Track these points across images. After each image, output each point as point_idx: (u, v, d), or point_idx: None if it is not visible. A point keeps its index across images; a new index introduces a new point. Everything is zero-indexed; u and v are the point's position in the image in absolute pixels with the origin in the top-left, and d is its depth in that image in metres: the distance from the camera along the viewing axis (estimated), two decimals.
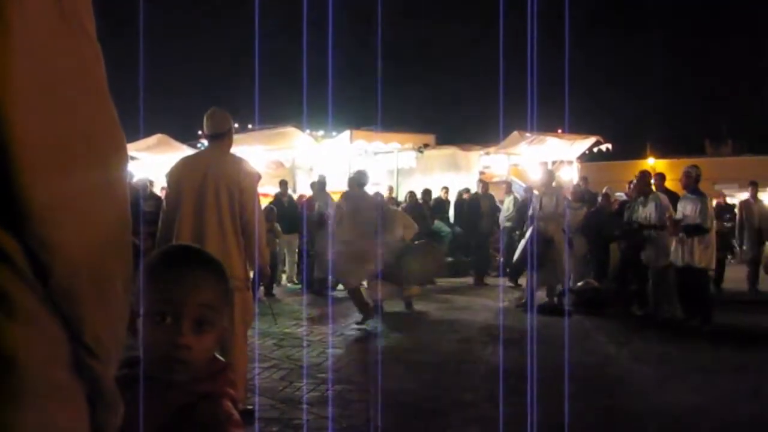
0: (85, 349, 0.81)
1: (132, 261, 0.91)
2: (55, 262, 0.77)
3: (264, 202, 13.36)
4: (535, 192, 10.78)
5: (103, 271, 0.82)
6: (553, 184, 10.74)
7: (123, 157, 0.87)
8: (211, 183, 4.48)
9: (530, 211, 10.51)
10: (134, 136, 16.59)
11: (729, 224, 12.96)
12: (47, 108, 0.76)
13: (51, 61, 0.77)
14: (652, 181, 9.86)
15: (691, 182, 8.96)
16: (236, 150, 5.06)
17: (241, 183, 4.54)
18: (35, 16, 0.75)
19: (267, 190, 14.32)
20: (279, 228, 12.20)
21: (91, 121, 0.81)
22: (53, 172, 0.76)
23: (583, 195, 12.28)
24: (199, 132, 20.44)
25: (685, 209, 8.80)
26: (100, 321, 0.82)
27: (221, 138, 4.69)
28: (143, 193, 11.29)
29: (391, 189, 16.29)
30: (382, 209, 9.25)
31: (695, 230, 8.60)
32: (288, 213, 12.75)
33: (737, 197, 28.98)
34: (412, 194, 15.09)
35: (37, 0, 0.76)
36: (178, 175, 4.73)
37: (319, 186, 12.83)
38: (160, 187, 13.05)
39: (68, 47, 0.80)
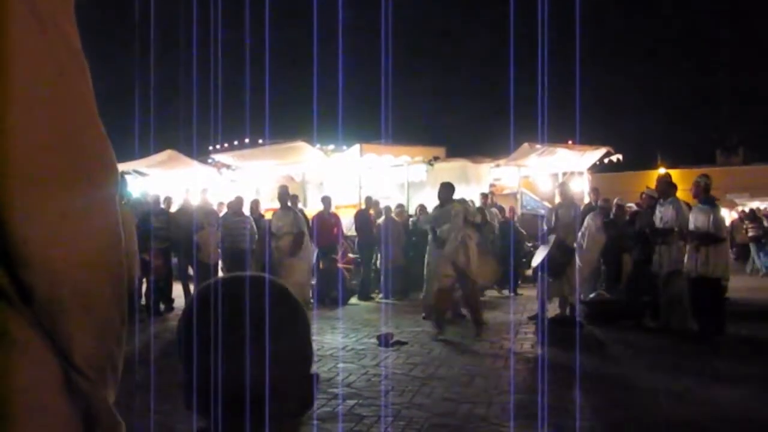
0: (76, 371, 0.79)
1: (125, 280, 0.88)
2: (37, 280, 0.75)
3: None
4: (547, 204, 10.73)
5: (90, 289, 0.80)
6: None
7: (111, 174, 0.84)
8: None
9: (544, 224, 10.45)
10: (145, 152, 16.67)
11: None
12: (28, 126, 0.74)
13: (33, 77, 0.75)
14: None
15: (701, 192, 8.87)
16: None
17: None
18: (15, 34, 0.73)
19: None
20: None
21: (75, 138, 0.79)
22: (32, 189, 0.74)
23: (608, 212, 11.71)
24: (210, 147, 20.59)
25: (697, 220, 8.70)
26: (90, 341, 0.80)
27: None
28: (154, 209, 11.27)
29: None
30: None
31: (708, 238, 8.53)
32: None
33: (748, 206, 28.76)
34: (422, 207, 15.03)
35: (16, 16, 0.73)
36: None
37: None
38: (166, 202, 13.12)
39: (50, 62, 0.77)
